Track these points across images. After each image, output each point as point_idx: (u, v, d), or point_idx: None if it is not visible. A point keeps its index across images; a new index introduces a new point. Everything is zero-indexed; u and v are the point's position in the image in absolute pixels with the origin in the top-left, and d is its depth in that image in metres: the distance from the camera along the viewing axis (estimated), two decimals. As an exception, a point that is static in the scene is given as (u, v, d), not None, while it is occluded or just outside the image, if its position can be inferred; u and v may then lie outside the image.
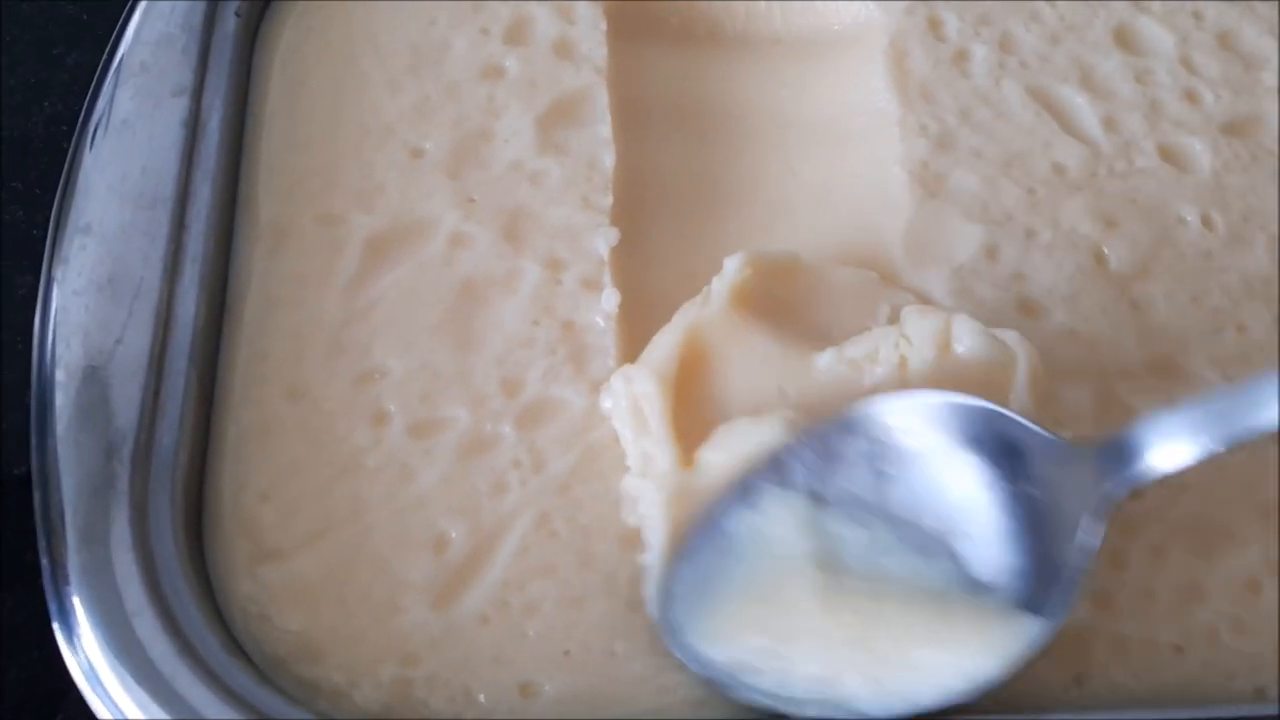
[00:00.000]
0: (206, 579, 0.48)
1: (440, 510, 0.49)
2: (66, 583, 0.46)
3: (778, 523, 0.45)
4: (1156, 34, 0.60)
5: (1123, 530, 0.49)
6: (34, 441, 0.48)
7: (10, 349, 0.60)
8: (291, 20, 0.61)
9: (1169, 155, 0.57)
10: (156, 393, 0.49)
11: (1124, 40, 0.60)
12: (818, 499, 0.46)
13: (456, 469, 0.50)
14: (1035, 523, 0.45)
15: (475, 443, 0.51)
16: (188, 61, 0.56)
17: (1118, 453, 0.45)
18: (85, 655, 0.45)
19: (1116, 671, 0.47)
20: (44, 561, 0.46)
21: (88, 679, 0.45)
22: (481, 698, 0.46)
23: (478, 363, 0.52)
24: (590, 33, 0.60)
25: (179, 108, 0.55)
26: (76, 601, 0.45)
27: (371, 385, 0.52)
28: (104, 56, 0.56)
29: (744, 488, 0.46)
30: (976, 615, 0.43)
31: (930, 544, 0.45)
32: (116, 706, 0.44)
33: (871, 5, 0.61)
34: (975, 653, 0.43)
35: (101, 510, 0.47)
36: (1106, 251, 0.54)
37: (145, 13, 0.57)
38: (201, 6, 0.57)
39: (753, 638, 0.44)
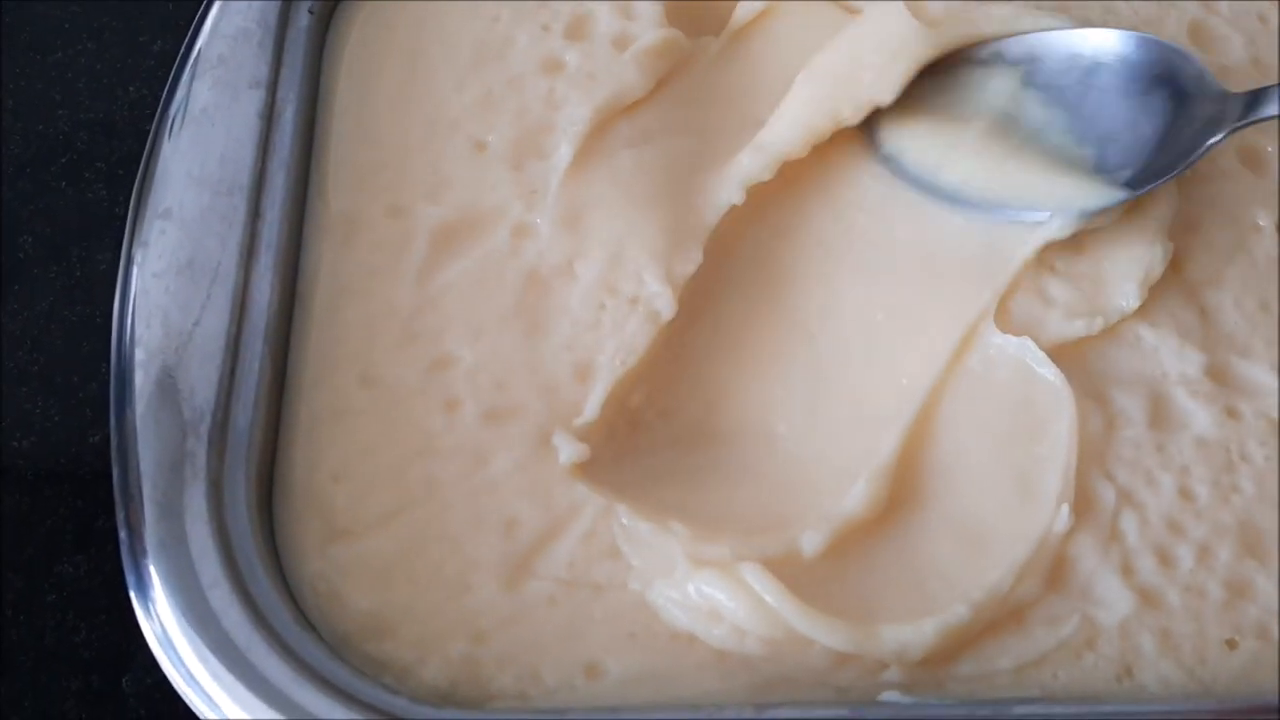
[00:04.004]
0: (276, 555, 0.50)
1: (512, 494, 0.51)
2: (144, 554, 0.47)
3: (991, 80, 0.57)
4: (1226, 34, 0.60)
5: (1172, 531, 0.50)
6: (113, 418, 0.49)
7: (89, 323, 0.62)
8: (361, 18, 0.62)
9: (1246, 158, 0.58)
10: (232, 373, 0.51)
11: (1198, 37, 0.60)
12: (1026, 81, 0.57)
13: (529, 455, 0.51)
14: (1170, 144, 0.55)
15: (549, 430, 0.52)
16: (263, 55, 0.57)
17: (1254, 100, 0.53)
18: (161, 624, 0.46)
19: (1166, 665, 0.48)
20: (122, 533, 0.48)
21: (163, 647, 0.46)
22: (548, 676, 0.48)
23: (547, 350, 0.53)
24: (649, 29, 0.61)
25: (255, 99, 0.56)
26: (153, 572, 0.47)
27: (443, 372, 0.53)
28: (182, 49, 0.57)
29: (981, 50, 0.58)
30: (1087, 178, 0.55)
31: (1087, 135, 0.56)
32: (191, 675, 0.46)
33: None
34: (1069, 190, 0.55)
35: (178, 485, 0.48)
36: (1183, 257, 0.55)
37: (222, 8, 0.58)
38: (276, 4, 0.59)
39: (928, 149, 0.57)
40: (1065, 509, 0.50)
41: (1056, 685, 0.47)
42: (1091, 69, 0.57)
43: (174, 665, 0.46)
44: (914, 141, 0.57)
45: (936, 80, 0.58)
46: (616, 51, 0.60)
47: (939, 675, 0.48)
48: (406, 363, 0.53)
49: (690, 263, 0.55)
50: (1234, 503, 0.51)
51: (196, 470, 0.48)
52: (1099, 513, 0.50)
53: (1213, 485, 0.51)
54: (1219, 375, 0.53)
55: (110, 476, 0.49)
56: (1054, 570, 0.49)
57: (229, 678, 0.45)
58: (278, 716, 0.44)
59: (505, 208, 0.57)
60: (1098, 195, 0.54)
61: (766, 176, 0.56)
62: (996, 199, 0.55)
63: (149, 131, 0.56)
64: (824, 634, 0.47)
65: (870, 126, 0.58)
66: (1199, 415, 0.52)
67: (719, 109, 0.60)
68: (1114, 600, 0.49)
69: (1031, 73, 0.57)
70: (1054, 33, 0.57)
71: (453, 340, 0.54)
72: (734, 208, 0.56)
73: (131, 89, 0.69)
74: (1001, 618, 0.48)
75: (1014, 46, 0.58)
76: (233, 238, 0.53)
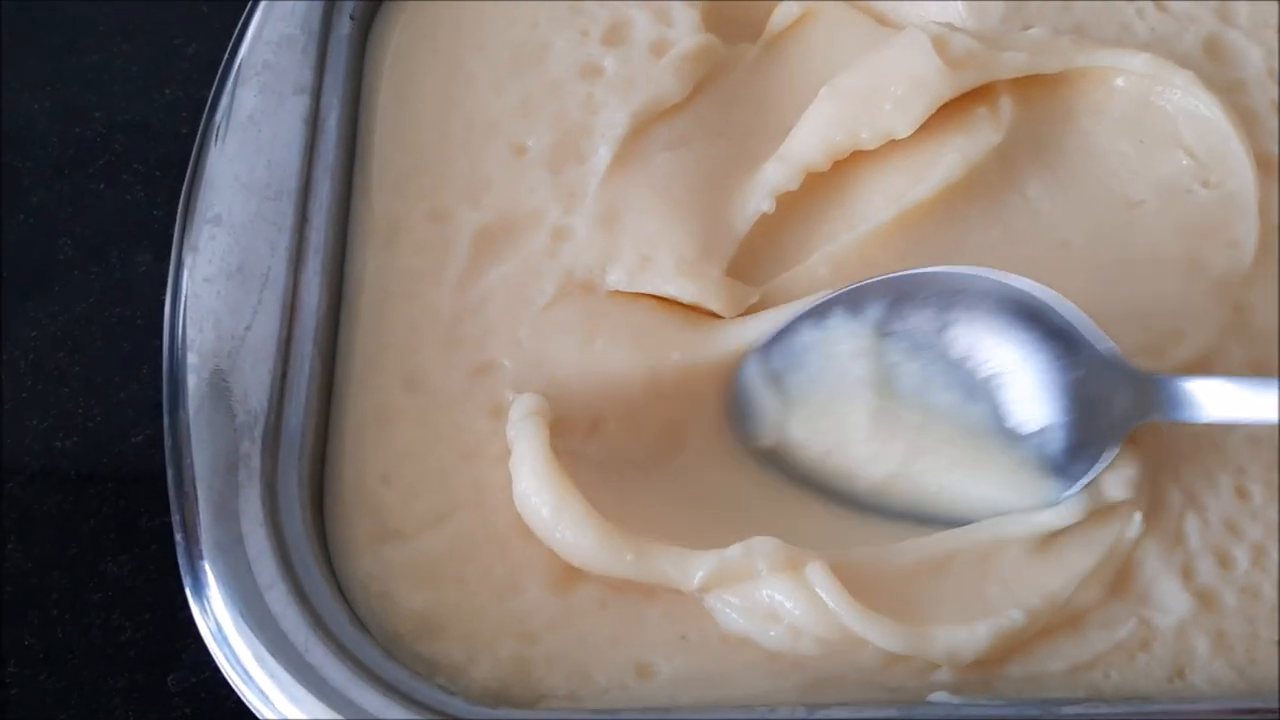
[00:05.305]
0: (328, 556, 0.50)
1: None
2: (200, 556, 0.47)
3: (842, 343, 0.52)
4: (1244, 47, 0.61)
5: (1230, 531, 0.51)
6: (166, 421, 0.50)
7: (130, 324, 0.63)
8: (400, 23, 0.62)
9: (1264, 164, 0.58)
10: (284, 376, 0.51)
11: (1213, 52, 0.61)
12: (881, 330, 0.51)
13: None
14: (1074, 400, 0.49)
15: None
16: (307, 61, 0.58)
17: (1164, 392, 0.49)
18: (218, 625, 0.47)
19: (1218, 665, 0.48)
20: (178, 536, 0.48)
21: (221, 648, 0.46)
22: (599, 677, 0.48)
23: None
24: (687, 35, 0.61)
25: (300, 105, 0.56)
26: (210, 574, 0.47)
27: (488, 377, 0.53)
28: (226, 54, 0.57)
29: (819, 308, 0.52)
30: (1007, 461, 0.50)
31: (976, 387, 0.50)
32: (249, 676, 0.46)
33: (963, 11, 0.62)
34: (1000, 490, 0.50)
35: (233, 487, 0.48)
36: (1211, 258, 0.55)
37: (266, 14, 0.58)
38: (319, 8, 0.59)
39: (814, 446, 0.52)
40: (1138, 516, 0.50)
41: (1107, 685, 0.48)
42: (948, 304, 0.51)
43: (231, 666, 0.46)
44: (797, 435, 0.52)
45: (783, 347, 0.53)
46: (654, 57, 0.61)
47: (989, 676, 0.48)
48: (450, 367, 0.54)
49: (715, 271, 0.55)
50: (1286, 503, 0.51)
51: (251, 473, 0.49)
52: (1167, 516, 0.51)
53: (1265, 484, 0.51)
54: (1260, 369, 0.53)
55: (154, 476, 0.50)
56: (1118, 577, 0.50)
57: (287, 679, 0.45)
58: (337, 717, 0.45)
59: (544, 211, 0.57)
60: (1033, 483, 0.50)
61: (794, 186, 0.57)
62: (919, 509, 0.51)
63: (186, 134, 0.56)
64: (878, 635, 0.47)
65: (731, 415, 0.53)
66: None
67: (755, 114, 0.61)
68: (1172, 603, 0.49)
69: (885, 322, 0.52)
70: (896, 275, 0.52)
71: (495, 347, 0.54)
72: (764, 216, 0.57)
73: (167, 91, 0.69)
74: (1057, 623, 0.49)
75: (858, 298, 0.52)
76: (281, 242, 0.53)
